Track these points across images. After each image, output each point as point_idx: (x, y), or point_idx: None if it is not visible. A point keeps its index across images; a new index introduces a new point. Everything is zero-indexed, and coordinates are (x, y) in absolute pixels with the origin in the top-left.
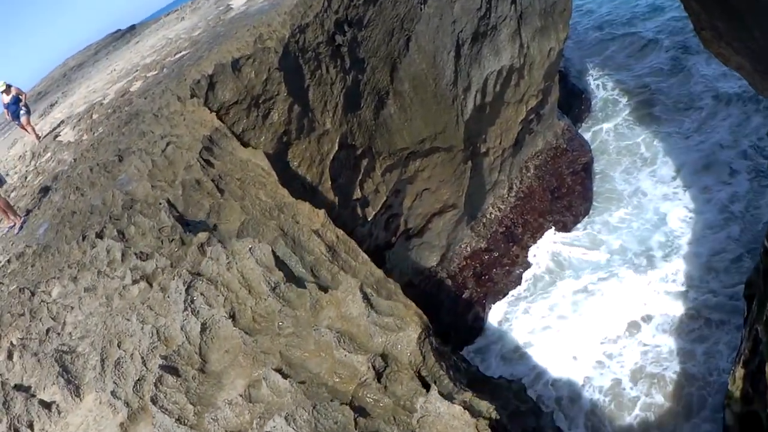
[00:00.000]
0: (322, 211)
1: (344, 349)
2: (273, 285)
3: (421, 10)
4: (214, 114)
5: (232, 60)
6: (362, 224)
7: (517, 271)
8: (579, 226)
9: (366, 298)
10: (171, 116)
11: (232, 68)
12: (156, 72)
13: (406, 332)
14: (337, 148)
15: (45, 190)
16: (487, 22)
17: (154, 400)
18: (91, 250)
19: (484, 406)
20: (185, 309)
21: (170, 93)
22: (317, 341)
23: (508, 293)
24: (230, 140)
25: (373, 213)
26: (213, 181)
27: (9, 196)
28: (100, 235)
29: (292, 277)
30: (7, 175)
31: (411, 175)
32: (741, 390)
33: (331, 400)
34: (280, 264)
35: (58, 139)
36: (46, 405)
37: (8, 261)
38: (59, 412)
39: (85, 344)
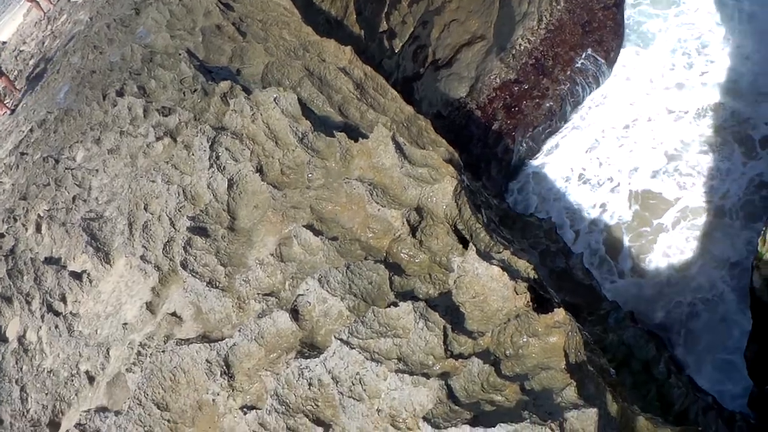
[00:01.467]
0: (348, 48)
1: (377, 203)
2: (301, 135)
3: None
4: None
5: None
6: (389, 56)
7: (547, 104)
8: None
9: (399, 148)
10: None
11: None
12: None
13: (441, 184)
14: None
15: (63, 54)
16: None
17: (184, 264)
18: (113, 108)
19: (522, 265)
20: (211, 165)
21: None
22: (349, 194)
23: (539, 126)
24: None
25: (401, 45)
26: (234, 24)
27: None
28: (120, 93)
29: (318, 124)
30: (24, 43)
31: (439, 5)
32: None
33: (365, 258)
34: (307, 112)
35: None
36: (77, 276)
37: (30, 130)
38: (90, 281)
39: (111, 208)
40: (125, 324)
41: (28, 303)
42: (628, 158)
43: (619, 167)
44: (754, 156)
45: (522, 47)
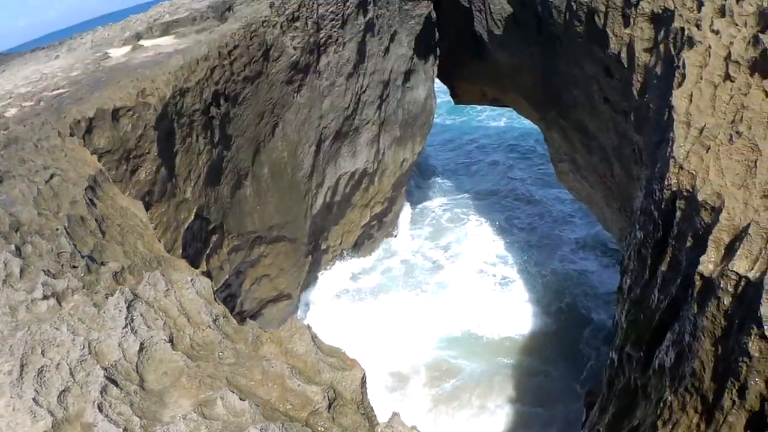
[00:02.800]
0: (198, 272)
1: (297, 380)
2: (214, 317)
3: (293, 98)
4: (95, 156)
5: (113, 108)
6: None
7: None
8: None
9: (313, 338)
10: (52, 149)
11: (111, 116)
12: (33, 103)
13: (351, 372)
14: (192, 218)
15: None
16: (351, 123)
17: (100, 407)
18: None
19: None
20: (125, 326)
21: (50, 127)
22: (265, 371)
23: None
24: (111, 185)
25: (213, 290)
26: (96, 220)
27: None
28: None
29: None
30: None
31: (254, 258)
32: None
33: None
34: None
35: None
36: None
37: None
38: None
39: None
40: None
41: None
42: None
43: None
44: None
45: None
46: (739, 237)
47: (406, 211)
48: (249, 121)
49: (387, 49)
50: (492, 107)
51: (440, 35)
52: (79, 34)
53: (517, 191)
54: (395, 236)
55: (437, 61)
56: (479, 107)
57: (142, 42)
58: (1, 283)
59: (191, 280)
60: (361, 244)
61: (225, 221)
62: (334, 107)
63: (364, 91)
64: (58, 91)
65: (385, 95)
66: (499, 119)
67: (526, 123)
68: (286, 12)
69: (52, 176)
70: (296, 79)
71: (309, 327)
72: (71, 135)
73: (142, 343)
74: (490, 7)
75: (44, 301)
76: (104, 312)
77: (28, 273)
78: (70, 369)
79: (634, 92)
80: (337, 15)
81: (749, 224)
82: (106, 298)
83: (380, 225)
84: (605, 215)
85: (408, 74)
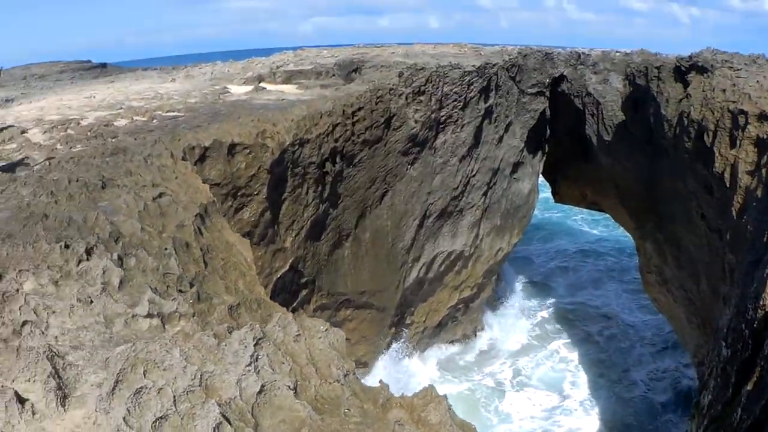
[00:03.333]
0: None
1: None
2: (345, 372)
3: (406, 169)
4: (207, 185)
5: (231, 142)
6: None
7: None
8: None
9: (449, 410)
10: (162, 168)
11: (228, 150)
12: (145, 119)
13: None
14: (287, 268)
15: (12, 178)
16: (456, 204)
17: None
18: (80, 263)
19: None
20: (249, 364)
21: (163, 146)
22: None
23: None
24: (220, 218)
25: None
26: (201, 249)
27: None
28: (89, 251)
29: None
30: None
31: (339, 320)
32: None
33: None
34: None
35: (25, 134)
36: (20, 399)
37: None
38: (33, 413)
39: (78, 356)
40: None
41: None
42: None
43: None
44: None
45: None
46: None
47: (492, 302)
48: (360, 183)
49: (500, 138)
50: (589, 211)
51: (550, 132)
52: (197, 64)
53: (607, 307)
54: (478, 332)
55: (544, 157)
56: (575, 208)
57: (263, 84)
58: (100, 291)
59: (325, 330)
60: (445, 325)
61: (318, 278)
62: (444, 186)
63: (474, 176)
64: (173, 114)
65: (492, 182)
66: (595, 226)
67: (620, 234)
68: (413, 84)
69: (161, 194)
70: (412, 152)
71: (445, 397)
72: (183, 159)
73: (263, 385)
74: (602, 113)
75: (147, 319)
76: (226, 345)
77: (129, 286)
78: (174, 396)
79: (733, 212)
80: (460, 96)
81: None
82: (229, 331)
83: (466, 309)
84: (684, 330)
85: (516, 166)
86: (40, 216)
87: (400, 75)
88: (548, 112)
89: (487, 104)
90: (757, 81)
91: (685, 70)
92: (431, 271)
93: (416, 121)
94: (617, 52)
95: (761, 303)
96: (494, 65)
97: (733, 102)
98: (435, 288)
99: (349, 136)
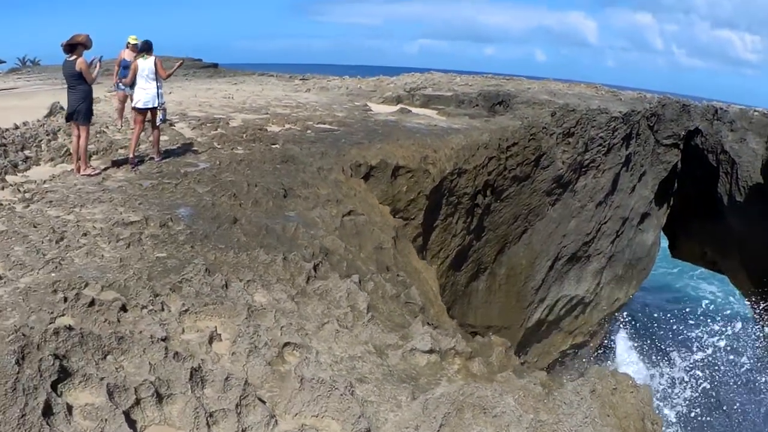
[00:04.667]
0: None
1: None
2: (651, 429)
3: (547, 210)
4: (389, 208)
5: (396, 164)
6: None
7: None
8: None
9: None
10: (337, 183)
11: (392, 172)
12: (298, 128)
13: None
14: None
15: (185, 174)
16: (586, 249)
17: None
18: (309, 279)
19: None
20: (586, 417)
21: (332, 160)
22: None
23: None
24: (408, 243)
25: None
26: (398, 275)
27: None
28: (315, 267)
29: None
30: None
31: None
32: None
33: None
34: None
35: (173, 127)
36: None
37: (146, 219)
38: None
39: (365, 389)
40: None
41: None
42: None
43: None
44: None
45: None
46: None
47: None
48: (504, 219)
49: (634, 188)
50: (706, 270)
51: (678, 185)
52: (323, 76)
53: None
54: None
55: (669, 210)
56: (692, 266)
57: (405, 107)
58: (351, 316)
59: (636, 386)
60: (552, 368)
61: (452, 308)
62: (578, 230)
63: (605, 222)
64: (326, 126)
65: (620, 231)
66: (711, 281)
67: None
68: (564, 125)
69: (350, 212)
70: (555, 193)
71: None
72: (351, 176)
73: None
74: (737, 172)
75: (426, 355)
76: (557, 395)
77: (379, 315)
78: None
79: None
80: (605, 141)
81: None
82: (560, 382)
83: (574, 356)
84: None
85: (644, 216)
86: (230, 219)
87: (553, 114)
88: (680, 165)
89: (628, 151)
90: None
91: None
92: (552, 313)
93: (563, 162)
94: (755, 111)
95: None
96: (638, 113)
97: None
98: (551, 330)
99: (501, 171)
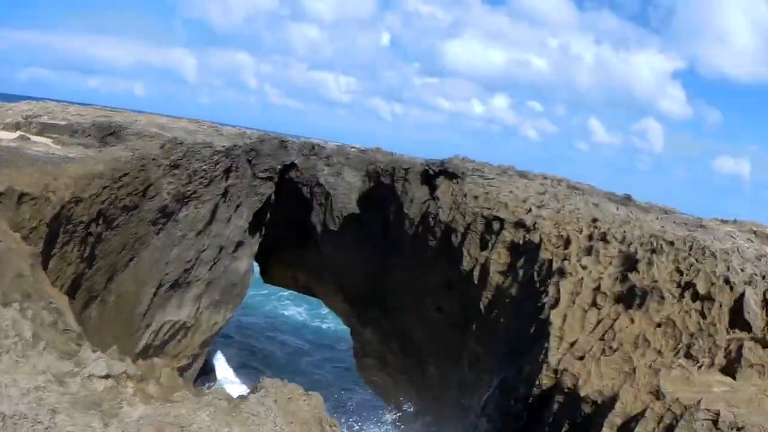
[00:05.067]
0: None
1: None
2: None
3: (151, 239)
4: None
5: (21, 191)
6: None
7: None
8: None
9: None
10: None
11: (18, 199)
12: None
13: None
14: None
15: None
16: (186, 277)
17: None
18: None
19: None
20: (276, 425)
21: None
22: None
23: None
24: (42, 272)
25: None
26: (51, 303)
27: None
28: None
29: None
30: None
31: None
32: None
33: None
34: None
35: None
36: None
37: None
38: None
39: (44, 416)
40: None
41: None
42: None
43: None
44: None
45: None
46: (633, 419)
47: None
48: (113, 247)
49: (230, 218)
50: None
51: (270, 216)
52: None
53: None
54: None
55: (261, 239)
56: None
57: (22, 133)
58: (21, 346)
59: (307, 394)
60: None
61: None
62: (180, 258)
63: (204, 251)
64: None
65: (217, 259)
66: (300, 303)
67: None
68: (172, 157)
69: None
70: (160, 222)
71: None
72: None
73: None
74: (331, 203)
75: (102, 380)
76: (244, 407)
77: (47, 343)
78: None
79: (482, 307)
80: (207, 173)
81: (645, 408)
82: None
83: (181, 377)
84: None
85: (238, 245)
86: None
87: (162, 146)
88: (273, 197)
89: (227, 183)
90: (511, 191)
91: (434, 174)
92: (158, 339)
93: (168, 193)
94: (352, 147)
95: (538, 383)
96: (239, 147)
97: (488, 209)
98: (158, 355)
99: (113, 200)
